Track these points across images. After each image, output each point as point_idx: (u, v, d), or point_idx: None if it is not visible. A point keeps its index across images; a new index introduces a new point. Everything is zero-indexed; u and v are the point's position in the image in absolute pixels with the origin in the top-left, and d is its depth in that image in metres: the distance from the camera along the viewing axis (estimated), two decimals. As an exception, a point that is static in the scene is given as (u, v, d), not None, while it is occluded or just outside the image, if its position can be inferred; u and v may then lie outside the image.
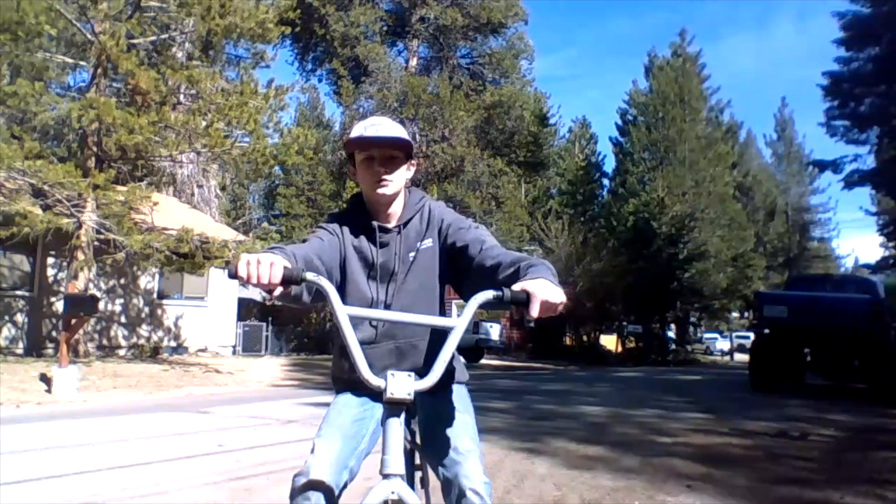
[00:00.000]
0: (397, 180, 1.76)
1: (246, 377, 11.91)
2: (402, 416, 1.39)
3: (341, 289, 1.72)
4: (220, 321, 16.75)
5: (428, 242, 1.79)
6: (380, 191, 1.74)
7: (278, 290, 1.43)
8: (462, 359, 1.87)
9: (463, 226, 1.79)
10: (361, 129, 1.77)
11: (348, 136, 1.82)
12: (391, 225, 1.79)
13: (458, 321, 1.47)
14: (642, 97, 33.32)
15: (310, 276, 1.43)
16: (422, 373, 1.42)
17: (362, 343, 1.48)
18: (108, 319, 14.08)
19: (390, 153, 1.74)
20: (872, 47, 21.97)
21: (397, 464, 1.34)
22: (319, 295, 1.53)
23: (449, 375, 1.72)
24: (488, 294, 1.44)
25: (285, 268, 1.41)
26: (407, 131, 1.86)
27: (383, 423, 1.40)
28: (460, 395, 1.78)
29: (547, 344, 27.07)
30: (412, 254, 1.77)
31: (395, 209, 1.80)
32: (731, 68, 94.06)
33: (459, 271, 1.75)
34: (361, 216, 1.81)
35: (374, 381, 1.36)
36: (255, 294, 27.45)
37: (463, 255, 1.72)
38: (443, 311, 1.83)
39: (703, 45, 56.06)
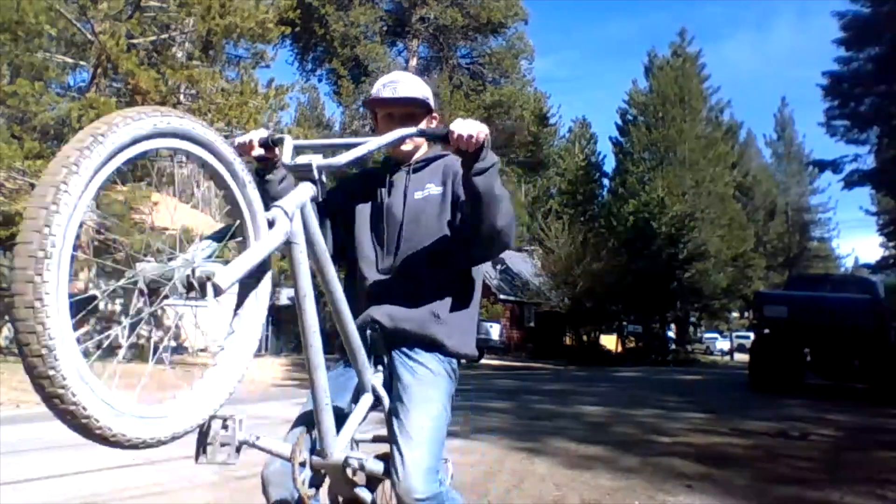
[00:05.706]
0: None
1: (246, 377, 11.89)
2: (311, 185, 1.39)
3: (350, 235, 1.80)
4: (220, 321, 16.72)
5: (436, 189, 1.76)
6: (400, 147, 1.76)
7: (256, 152, 1.60)
8: (464, 337, 1.75)
9: None
10: (380, 86, 1.80)
11: (369, 94, 1.88)
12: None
13: (376, 139, 1.52)
14: (642, 97, 33.27)
15: (278, 136, 1.59)
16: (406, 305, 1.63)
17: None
18: (108, 319, 14.07)
19: (409, 110, 1.77)
20: (872, 47, 21.94)
21: (297, 200, 1.35)
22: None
23: (430, 338, 1.69)
24: (411, 129, 1.56)
25: (261, 138, 1.61)
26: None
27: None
28: (434, 368, 1.69)
29: (547, 344, 27.07)
30: (419, 194, 1.76)
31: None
32: (731, 68, 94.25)
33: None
34: (383, 168, 1.86)
35: (293, 161, 1.44)
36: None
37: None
38: (459, 273, 1.76)
39: (703, 45, 55.92)
